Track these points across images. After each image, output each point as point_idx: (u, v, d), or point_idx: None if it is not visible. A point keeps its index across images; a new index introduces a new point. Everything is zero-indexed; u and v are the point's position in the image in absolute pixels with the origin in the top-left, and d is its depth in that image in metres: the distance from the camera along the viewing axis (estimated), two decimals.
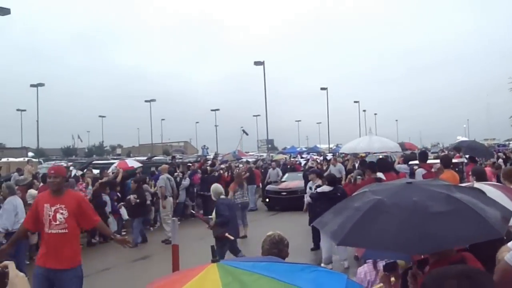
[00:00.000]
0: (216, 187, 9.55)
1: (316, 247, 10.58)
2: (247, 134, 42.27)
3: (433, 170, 9.95)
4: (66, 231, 5.26)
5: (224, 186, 18.45)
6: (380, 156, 16.71)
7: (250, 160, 30.39)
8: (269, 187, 20.00)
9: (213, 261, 2.01)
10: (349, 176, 11.53)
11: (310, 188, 11.41)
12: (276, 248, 3.83)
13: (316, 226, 2.98)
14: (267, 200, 19.39)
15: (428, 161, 11.10)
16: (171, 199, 13.79)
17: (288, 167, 24.83)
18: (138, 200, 12.68)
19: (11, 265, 1.55)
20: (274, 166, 22.51)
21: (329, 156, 28.07)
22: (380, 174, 9.76)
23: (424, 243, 2.34)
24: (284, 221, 15.38)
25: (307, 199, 11.24)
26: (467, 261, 2.55)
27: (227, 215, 8.64)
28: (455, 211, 2.47)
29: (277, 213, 18.07)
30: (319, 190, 10.02)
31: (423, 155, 10.83)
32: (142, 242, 12.69)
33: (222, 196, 9.44)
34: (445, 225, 2.40)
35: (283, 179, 20.50)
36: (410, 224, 2.42)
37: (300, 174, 19.59)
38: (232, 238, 8.56)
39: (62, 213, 5.26)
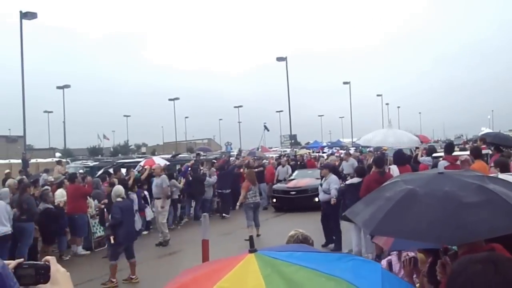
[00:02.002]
0: (116, 189, 9.41)
1: (328, 242, 10.81)
2: (268, 130, 42.25)
3: (457, 162, 9.88)
4: None
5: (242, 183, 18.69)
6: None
7: (273, 155, 30.29)
8: (276, 186, 18.39)
9: (250, 251, 1.99)
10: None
11: (321, 185, 11.07)
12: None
13: (348, 216, 2.98)
14: (274, 200, 17.79)
15: (454, 153, 11.02)
16: (169, 200, 13.57)
17: (299, 163, 22.94)
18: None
19: (52, 260, 1.55)
20: (284, 163, 20.66)
21: (352, 150, 27.91)
22: (394, 167, 9.82)
23: (458, 233, 2.33)
24: (293, 218, 14.55)
25: (324, 196, 10.85)
26: (497, 252, 2.47)
27: (118, 217, 8.77)
28: (488, 201, 2.45)
29: (286, 212, 16.87)
30: (348, 182, 10.18)
31: (448, 147, 10.75)
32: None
33: (119, 199, 9.20)
34: (479, 216, 2.38)
35: (292, 177, 18.68)
36: (443, 214, 2.40)
37: (311, 171, 18.43)
38: (112, 241, 8.80)
39: None
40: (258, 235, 12.20)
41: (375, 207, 2.64)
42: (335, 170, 11.55)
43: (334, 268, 1.89)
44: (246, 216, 12.54)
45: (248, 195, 12.54)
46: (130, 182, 14.16)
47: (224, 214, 16.73)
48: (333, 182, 10.82)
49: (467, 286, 1.61)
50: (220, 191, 17.25)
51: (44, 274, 1.49)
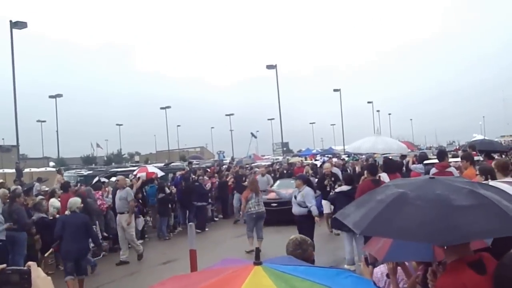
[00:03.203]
0: (73, 200, 9.12)
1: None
2: (255, 137, 42.61)
3: (447, 170, 9.89)
4: None
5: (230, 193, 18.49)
6: (390, 157, 16.52)
7: (264, 163, 30.09)
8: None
9: (255, 263, 1.96)
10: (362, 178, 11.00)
11: (295, 197, 10.50)
12: (300, 248, 3.91)
13: (338, 218, 2.98)
14: None
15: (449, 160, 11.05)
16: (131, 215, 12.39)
17: (285, 172, 21.58)
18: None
19: (33, 265, 1.54)
20: (264, 172, 18.86)
21: (335, 159, 27.99)
22: (384, 175, 9.81)
23: (449, 234, 2.33)
24: (274, 231, 13.12)
25: (298, 209, 10.28)
26: (486, 261, 2.54)
27: (57, 233, 8.62)
28: (480, 205, 2.47)
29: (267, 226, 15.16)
30: (337, 190, 10.09)
31: (440, 154, 10.59)
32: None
33: (67, 212, 9.03)
34: (470, 218, 2.39)
35: (273, 187, 17.00)
36: (435, 215, 2.41)
37: (294, 181, 15.90)
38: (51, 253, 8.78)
39: None
40: (252, 250, 11.26)
41: (366, 209, 2.65)
42: (309, 182, 11.14)
43: (339, 285, 1.93)
44: (247, 227, 12.14)
45: (249, 204, 11.92)
46: (137, 185, 14.42)
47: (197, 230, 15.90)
48: (309, 197, 10.29)
49: None
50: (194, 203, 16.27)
51: (27, 279, 1.49)
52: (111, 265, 11.50)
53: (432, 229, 2.36)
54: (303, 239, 4.00)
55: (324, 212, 12.85)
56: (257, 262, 1.96)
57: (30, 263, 1.56)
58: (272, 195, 15.56)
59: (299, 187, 10.59)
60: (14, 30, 26.07)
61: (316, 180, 14.75)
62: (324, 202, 12.90)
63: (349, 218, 2.74)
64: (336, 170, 15.84)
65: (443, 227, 2.34)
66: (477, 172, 6.17)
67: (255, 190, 12.22)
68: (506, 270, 1.86)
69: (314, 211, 10.10)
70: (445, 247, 2.64)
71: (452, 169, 10.06)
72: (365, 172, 9.73)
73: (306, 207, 10.16)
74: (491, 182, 4.61)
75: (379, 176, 10.00)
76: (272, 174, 21.13)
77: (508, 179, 6.23)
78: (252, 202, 11.92)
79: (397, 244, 3.41)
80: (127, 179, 15.69)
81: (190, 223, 5.74)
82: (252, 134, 38.49)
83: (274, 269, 1.92)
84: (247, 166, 27.30)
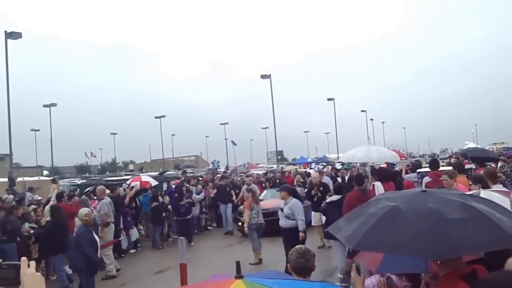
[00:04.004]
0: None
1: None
2: (235, 145, 43.12)
3: (441, 178, 9.90)
4: None
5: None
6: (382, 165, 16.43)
7: (257, 171, 29.83)
8: (241, 208, 15.08)
9: (236, 277, 1.95)
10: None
11: (282, 210, 10.02)
12: (303, 258, 3.88)
13: (330, 232, 2.97)
14: (240, 224, 14.89)
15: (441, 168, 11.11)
16: (113, 226, 12.08)
17: (278, 181, 20.02)
18: None
19: (23, 262, 1.54)
20: (249, 182, 17.33)
21: (338, 166, 28.08)
22: (378, 184, 9.81)
23: (442, 248, 2.32)
24: (265, 242, 12.11)
25: (286, 222, 9.78)
26: (478, 274, 2.50)
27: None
28: (472, 218, 2.46)
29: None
30: (328, 200, 10.04)
31: (433, 163, 10.64)
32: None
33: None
34: (463, 231, 2.38)
35: (261, 197, 15.47)
36: (427, 228, 2.40)
37: None
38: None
39: None
40: (257, 262, 11.25)
41: (358, 223, 2.63)
42: (295, 192, 10.50)
43: None
44: (250, 239, 11.68)
45: (251, 215, 11.55)
46: (127, 200, 14.26)
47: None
48: (297, 209, 9.77)
49: None
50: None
51: (17, 274, 1.51)
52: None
53: (424, 243, 2.35)
54: (307, 250, 4.00)
55: (313, 224, 12.33)
56: (238, 275, 1.96)
57: (23, 258, 1.57)
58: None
59: (285, 199, 10.10)
60: (8, 41, 26.17)
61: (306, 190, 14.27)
62: (313, 213, 12.35)
63: (341, 232, 2.73)
64: (327, 180, 15.47)
65: (435, 241, 2.33)
66: (470, 182, 6.26)
67: (255, 199, 11.98)
68: None
69: (301, 225, 9.59)
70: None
71: (445, 177, 10.13)
72: (353, 182, 9.63)
73: (295, 219, 9.67)
74: (482, 192, 4.66)
75: (373, 185, 10.05)
76: (266, 183, 21.07)
77: (498, 186, 6.36)
78: (253, 213, 11.58)
79: (391, 255, 3.40)
80: (120, 188, 15.79)
81: (181, 238, 5.70)
82: (233, 142, 39.12)
83: (254, 282, 1.91)
84: (242, 174, 27.28)
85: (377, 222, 2.52)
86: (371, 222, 2.54)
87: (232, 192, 17.92)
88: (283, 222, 9.88)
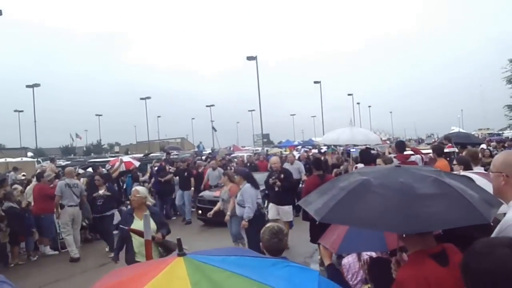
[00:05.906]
0: None
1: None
2: (215, 130, 43.67)
3: (411, 160, 9.88)
4: None
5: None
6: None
7: (242, 154, 29.52)
8: (203, 194, 14.49)
9: (179, 255, 1.89)
10: (335, 171, 10.70)
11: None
12: (276, 237, 3.80)
13: (301, 205, 2.94)
14: (200, 212, 13.97)
15: (423, 151, 11.05)
16: (70, 209, 10.98)
17: (250, 165, 18.92)
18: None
19: None
20: (215, 166, 16.46)
21: (324, 149, 28.15)
22: (361, 165, 9.82)
23: (411, 223, 2.29)
24: (222, 234, 10.87)
25: (239, 210, 8.87)
26: (449, 252, 2.51)
27: None
28: (443, 194, 2.45)
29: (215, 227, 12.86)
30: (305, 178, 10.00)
31: (399, 145, 10.62)
32: None
33: None
34: (433, 207, 2.36)
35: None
36: (396, 203, 2.38)
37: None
38: None
39: None
40: None
41: (328, 196, 2.61)
42: (250, 177, 9.16)
43: (268, 276, 1.84)
44: (230, 230, 9.91)
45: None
46: (115, 174, 14.54)
47: None
48: (246, 195, 8.71)
49: (498, 268, 1.68)
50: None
51: None
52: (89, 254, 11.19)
53: (392, 217, 2.33)
54: (280, 229, 3.89)
55: (269, 217, 9.85)
56: (181, 253, 1.91)
57: None
58: (220, 193, 11.25)
59: (239, 183, 9.02)
60: None
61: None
62: (270, 205, 10.47)
63: (311, 206, 2.70)
64: (299, 165, 14.79)
65: (405, 216, 2.31)
66: (455, 162, 6.32)
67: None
68: (482, 259, 1.78)
69: (247, 213, 8.55)
70: (404, 236, 2.61)
71: (416, 157, 10.21)
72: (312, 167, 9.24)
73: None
74: (462, 173, 4.70)
75: (356, 167, 9.91)
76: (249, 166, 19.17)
77: (479, 168, 6.43)
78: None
79: (350, 236, 3.42)
80: (103, 169, 15.68)
81: (145, 214, 5.63)
82: (213, 128, 39.61)
83: (196, 260, 1.86)
84: (227, 156, 27.21)
85: (346, 195, 2.51)
86: (340, 195, 2.53)
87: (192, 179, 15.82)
88: (237, 211, 9.01)
